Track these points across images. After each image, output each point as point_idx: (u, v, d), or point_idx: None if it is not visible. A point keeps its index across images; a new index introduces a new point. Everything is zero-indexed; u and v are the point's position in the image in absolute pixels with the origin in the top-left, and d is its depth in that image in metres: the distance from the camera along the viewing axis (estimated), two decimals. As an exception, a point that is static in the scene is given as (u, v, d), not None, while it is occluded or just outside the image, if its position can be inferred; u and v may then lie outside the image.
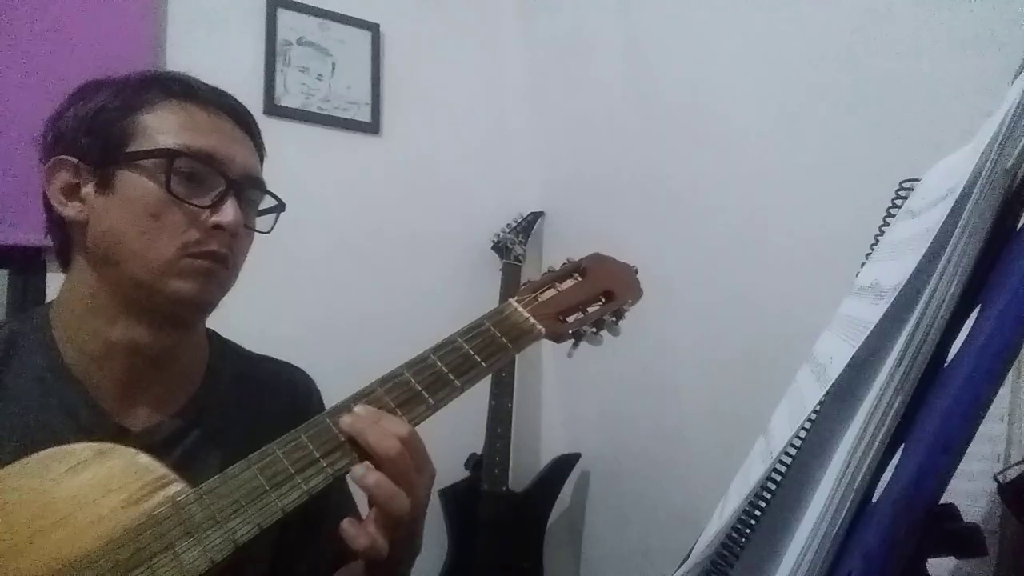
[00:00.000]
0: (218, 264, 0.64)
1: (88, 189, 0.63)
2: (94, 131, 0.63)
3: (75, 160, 0.63)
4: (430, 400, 0.58)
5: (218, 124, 0.66)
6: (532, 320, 0.65)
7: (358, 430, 0.55)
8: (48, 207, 0.65)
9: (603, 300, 0.69)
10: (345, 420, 0.55)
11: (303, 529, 0.71)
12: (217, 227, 0.63)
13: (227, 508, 0.52)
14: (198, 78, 0.69)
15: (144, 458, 0.55)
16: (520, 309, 0.66)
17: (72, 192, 0.64)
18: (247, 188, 0.68)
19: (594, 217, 1.75)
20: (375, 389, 0.59)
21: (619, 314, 0.70)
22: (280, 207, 0.74)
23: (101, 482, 0.53)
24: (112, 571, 0.49)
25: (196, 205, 0.63)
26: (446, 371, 0.60)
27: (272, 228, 0.74)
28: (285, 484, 0.53)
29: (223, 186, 0.64)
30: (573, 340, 0.68)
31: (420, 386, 0.59)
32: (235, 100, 0.70)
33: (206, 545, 0.50)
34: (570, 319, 0.67)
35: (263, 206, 0.73)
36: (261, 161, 0.73)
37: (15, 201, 1.25)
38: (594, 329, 0.68)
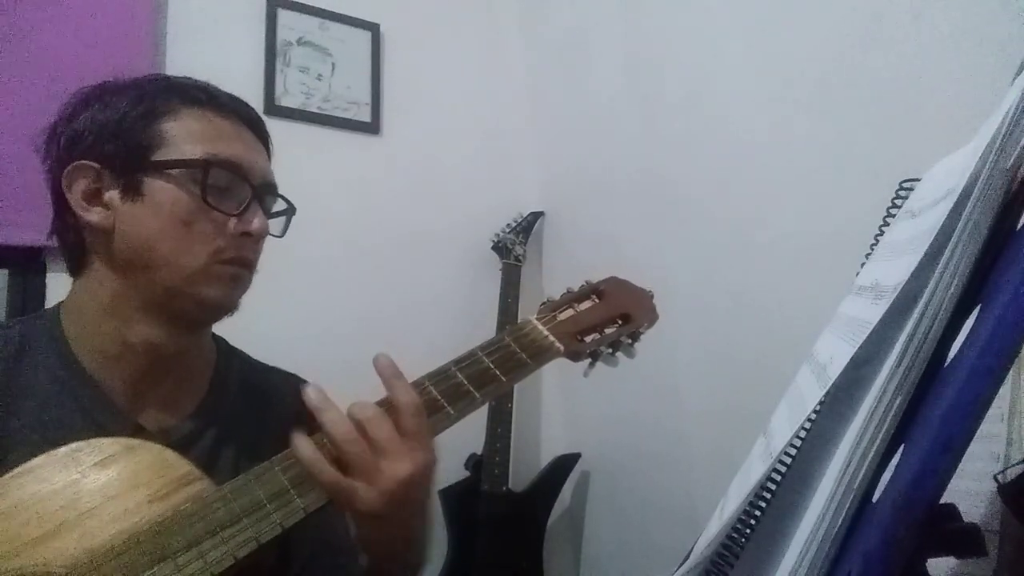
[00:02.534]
0: (244, 269, 0.67)
1: (112, 194, 0.64)
2: (118, 138, 0.64)
3: (97, 166, 0.64)
4: (450, 411, 0.59)
5: (239, 132, 0.68)
6: (551, 338, 0.66)
7: (316, 407, 0.55)
8: (60, 211, 0.66)
9: (620, 322, 0.71)
10: (308, 393, 0.56)
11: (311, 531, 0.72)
12: (245, 234, 0.65)
13: (250, 507, 0.53)
14: (214, 84, 0.70)
15: (171, 455, 0.57)
16: (540, 327, 0.67)
17: (94, 197, 0.64)
18: (265, 194, 0.70)
19: (594, 217, 1.75)
20: None
21: (635, 336, 0.71)
22: (291, 210, 0.76)
23: (129, 477, 0.55)
24: (135, 564, 0.50)
25: (227, 213, 0.65)
26: (466, 383, 0.61)
27: (284, 232, 0.76)
28: (307, 485, 0.54)
29: (249, 194, 0.66)
30: (590, 359, 0.70)
31: (441, 397, 0.60)
32: (250, 107, 0.71)
33: (229, 543, 0.51)
34: (588, 339, 0.69)
35: (275, 209, 0.75)
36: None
37: (15, 201, 1.25)
38: (610, 350, 0.70)
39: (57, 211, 0.66)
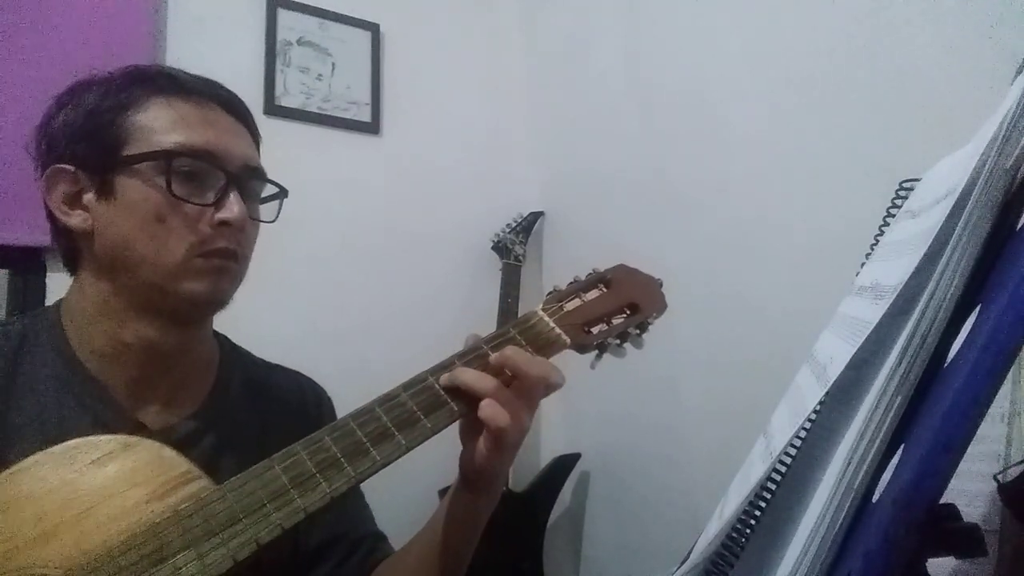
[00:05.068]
0: (228, 260, 0.64)
1: (90, 196, 0.63)
2: (87, 137, 0.62)
3: (72, 168, 0.63)
4: (453, 406, 0.58)
5: (211, 117, 0.65)
6: (558, 330, 0.65)
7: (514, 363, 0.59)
8: (52, 217, 0.65)
9: (628, 312, 0.68)
10: (502, 354, 0.59)
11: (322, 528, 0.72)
12: (223, 224, 0.63)
13: (250, 507, 0.52)
14: (184, 70, 0.68)
15: (169, 453, 0.56)
16: (546, 318, 0.66)
17: (74, 201, 0.63)
18: (248, 179, 0.67)
19: (594, 217, 1.75)
20: (399, 394, 0.59)
21: (643, 327, 0.69)
22: (282, 193, 0.73)
23: (126, 475, 0.54)
24: (134, 566, 0.49)
25: (199, 204, 0.62)
26: None
27: (277, 217, 0.73)
28: (308, 484, 0.53)
29: (223, 181, 0.64)
30: (597, 351, 0.67)
31: (444, 392, 0.59)
32: (225, 89, 0.69)
33: (229, 544, 0.50)
34: (595, 330, 0.66)
35: (265, 194, 0.72)
36: (258, 148, 0.72)
37: (15, 201, 1.25)
38: (618, 341, 0.68)
39: (48, 215, 0.65)
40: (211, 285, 0.63)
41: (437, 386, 0.59)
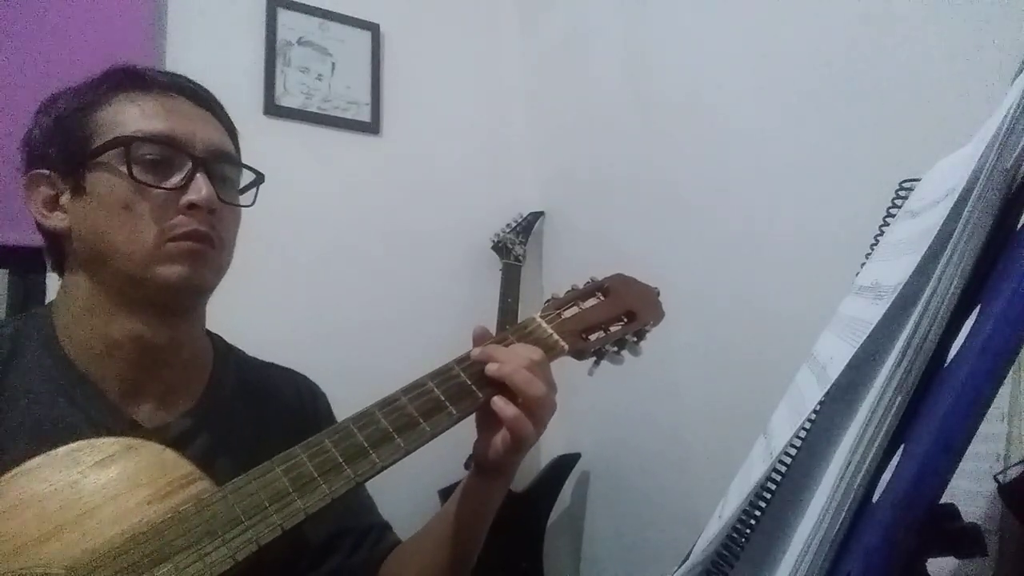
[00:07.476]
0: (202, 243, 0.64)
1: (66, 198, 0.64)
2: (58, 139, 0.64)
3: (48, 172, 0.64)
4: (452, 410, 0.59)
5: (173, 106, 0.66)
6: (556, 337, 0.66)
7: (505, 373, 0.60)
8: (36, 221, 0.66)
9: (625, 320, 0.70)
10: (491, 367, 0.60)
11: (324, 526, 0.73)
12: (192, 206, 0.63)
13: (251, 508, 0.53)
14: (153, 68, 0.69)
15: (171, 454, 0.56)
16: (544, 325, 0.67)
17: (53, 204, 0.65)
18: (217, 163, 0.67)
19: (594, 217, 1.75)
20: (399, 398, 0.60)
21: (640, 335, 0.70)
22: (259, 179, 0.74)
23: (128, 477, 0.54)
24: (136, 566, 0.50)
25: (164, 188, 0.63)
26: (469, 383, 0.61)
27: (255, 201, 0.74)
28: (308, 487, 0.54)
29: (189, 165, 0.64)
30: (595, 358, 0.69)
31: (443, 396, 0.60)
32: (190, 81, 0.70)
33: (229, 544, 0.51)
34: (592, 337, 0.68)
35: (244, 183, 0.73)
36: (232, 137, 0.72)
37: (15, 201, 1.25)
38: (615, 348, 0.69)
39: (35, 222, 0.67)
40: (185, 269, 0.63)
41: (437, 391, 0.60)
